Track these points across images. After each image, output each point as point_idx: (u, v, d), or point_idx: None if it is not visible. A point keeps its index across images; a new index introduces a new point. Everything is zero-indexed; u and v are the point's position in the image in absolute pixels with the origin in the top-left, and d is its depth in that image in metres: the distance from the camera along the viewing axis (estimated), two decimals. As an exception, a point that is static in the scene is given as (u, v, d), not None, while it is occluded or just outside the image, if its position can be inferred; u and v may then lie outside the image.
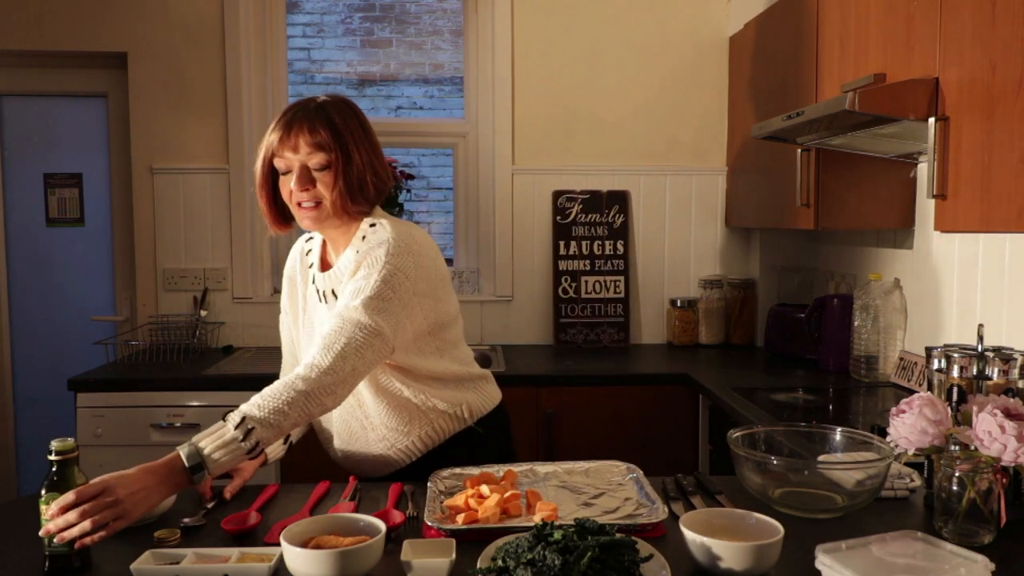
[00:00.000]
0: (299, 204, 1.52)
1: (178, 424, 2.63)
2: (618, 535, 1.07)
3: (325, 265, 1.64)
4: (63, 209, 3.32)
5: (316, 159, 1.49)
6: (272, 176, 1.55)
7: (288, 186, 1.52)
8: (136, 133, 3.19)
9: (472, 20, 3.32)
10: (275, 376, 2.86)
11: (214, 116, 3.21)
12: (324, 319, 1.57)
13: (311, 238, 1.70)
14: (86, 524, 1.14)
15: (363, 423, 1.62)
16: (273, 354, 3.17)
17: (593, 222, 3.30)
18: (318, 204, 1.51)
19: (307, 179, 1.49)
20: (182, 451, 1.32)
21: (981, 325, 1.42)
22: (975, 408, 1.22)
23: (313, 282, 1.63)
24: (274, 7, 3.29)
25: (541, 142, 3.31)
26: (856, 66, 2.12)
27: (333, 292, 1.57)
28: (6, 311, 3.31)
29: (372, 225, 1.54)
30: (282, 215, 1.59)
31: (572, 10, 3.26)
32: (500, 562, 1.05)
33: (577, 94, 3.29)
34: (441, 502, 1.37)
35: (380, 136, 3.78)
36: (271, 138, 1.51)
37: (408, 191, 3.39)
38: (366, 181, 1.53)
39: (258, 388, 2.87)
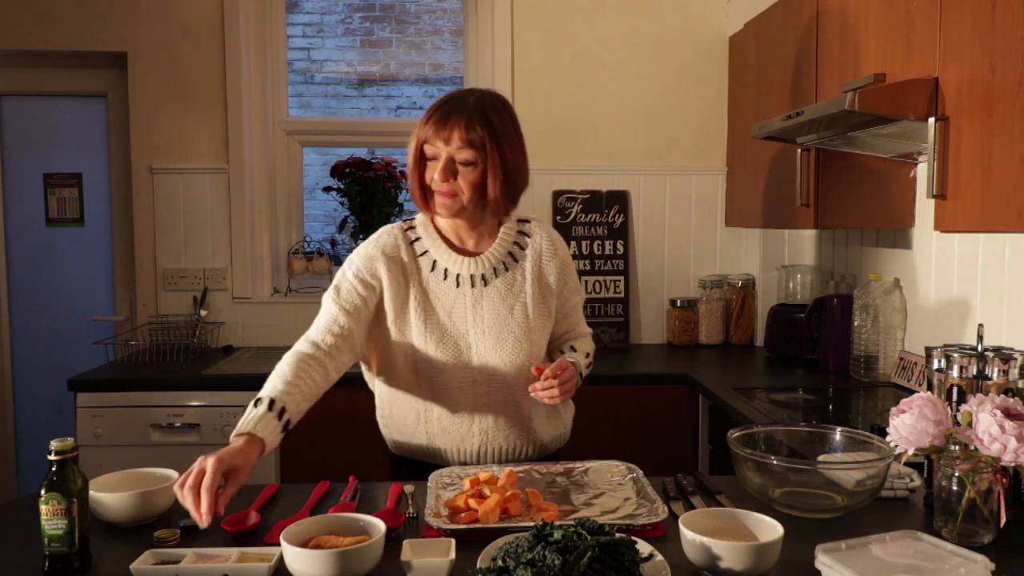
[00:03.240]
0: (437, 190, 1.58)
1: (178, 424, 2.63)
2: (618, 535, 1.07)
3: (460, 251, 1.67)
4: (63, 209, 3.32)
5: (464, 155, 1.55)
6: (422, 160, 1.60)
7: (431, 171, 1.58)
8: (136, 133, 3.19)
9: (472, 20, 3.32)
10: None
11: (214, 116, 3.21)
12: (461, 302, 1.63)
13: (411, 227, 1.69)
14: (203, 496, 1.19)
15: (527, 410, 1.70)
16: (273, 354, 3.17)
17: (593, 222, 3.30)
18: (453, 195, 1.57)
19: (450, 171, 1.56)
20: None
21: (981, 325, 1.42)
22: (975, 408, 1.22)
23: (433, 268, 1.65)
24: (274, 7, 3.29)
25: (541, 142, 3.30)
26: (856, 66, 2.13)
27: (483, 277, 1.65)
28: (6, 311, 3.31)
29: (527, 222, 1.73)
30: (429, 198, 1.62)
31: (572, 10, 3.26)
32: (500, 562, 1.05)
33: (577, 94, 3.29)
34: (441, 502, 1.37)
35: (380, 136, 3.78)
36: (426, 128, 1.56)
37: (408, 191, 3.38)
38: (517, 182, 1.62)
39: (258, 388, 2.86)
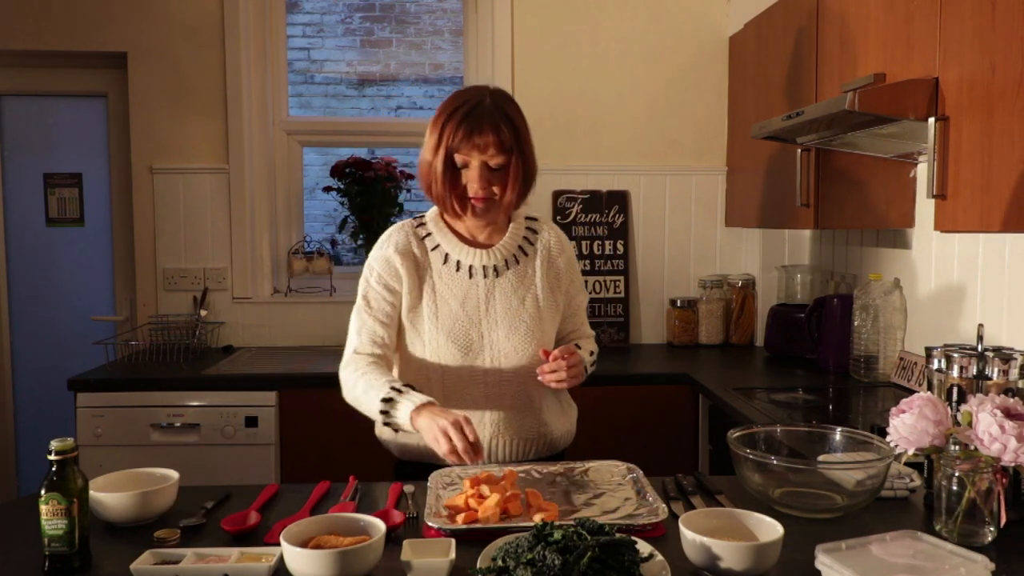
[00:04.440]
0: (474, 197, 1.61)
1: (178, 424, 2.63)
2: (618, 535, 1.07)
3: (471, 244, 1.71)
4: (63, 209, 3.32)
5: (498, 160, 1.60)
6: (452, 168, 1.61)
7: (466, 179, 1.61)
8: (136, 133, 3.19)
9: (472, 20, 3.32)
10: (273, 376, 2.84)
11: (214, 116, 3.21)
12: (474, 293, 1.67)
13: (421, 224, 1.72)
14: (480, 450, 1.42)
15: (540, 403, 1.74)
16: (273, 354, 3.19)
17: (593, 222, 3.30)
18: (489, 199, 1.62)
19: (487, 177, 1.60)
20: None
21: (981, 325, 1.42)
22: (975, 408, 1.22)
23: (446, 261, 1.68)
24: (274, 7, 3.29)
25: (541, 142, 3.25)
26: (856, 66, 2.13)
27: (495, 268, 1.69)
28: (6, 311, 3.31)
29: (535, 219, 1.80)
30: (461, 203, 1.64)
31: (572, 11, 3.26)
32: (500, 562, 1.05)
33: (577, 94, 3.29)
34: (441, 502, 1.37)
35: (380, 136, 3.77)
36: (455, 136, 1.57)
37: (408, 191, 3.39)
38: (532, 178, 1.69)
39: (258, 388, 2.86)
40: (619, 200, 3.31)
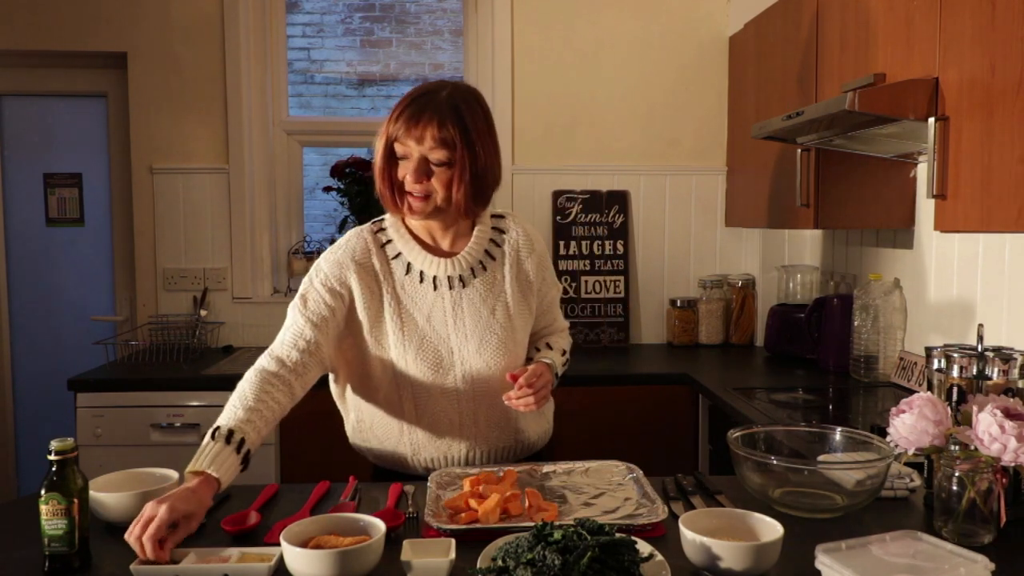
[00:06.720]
0: (410, 192, 1.50)
1: (178, 424, 2.63)
2: (618, 535, 1.07)
3: (434, 252, 1.59)
4: (63, 209, 3.32)
5: (438, 155, 1.47)
6: (391, 159, 1.51)
7: (403, 171, 1.50)
8: (136, 133, 3.19)
9: (472, 20, 3.32)
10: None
11: (214, 116, 3.21)
12: (440, 306, 1.56)
13: (381, 229, 1.61)
14: (146, 546, 1.14)
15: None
16: (273, 354, 3.18)
17: (593, 222, 3.30)
18: (427, 196, 1.50)
19: (423, 171, 1.48)
20: None
21: (981, 325, 1.42)
22: (975, 408, 1.22)
23: (408, 271, 1.57)
24: (274, 7, 3.29)
25: (541, 142, 3.30)
26: (856, 66, 2.13)
27: (460, 279, 1.58)
28: (6, 311, 3.31)
29: (502, 217, 1.66)
30: (400, 198, 1.53)
31: (572, 10, 3.26)
32: (500, 562, 1.05)
33: (577, 94, 3.29)
34: (441, 502, 1.37)
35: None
36: (396, 125, 1.48)
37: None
38: (487, 182, 1.53)
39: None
40: (619, 200, 3.31)
